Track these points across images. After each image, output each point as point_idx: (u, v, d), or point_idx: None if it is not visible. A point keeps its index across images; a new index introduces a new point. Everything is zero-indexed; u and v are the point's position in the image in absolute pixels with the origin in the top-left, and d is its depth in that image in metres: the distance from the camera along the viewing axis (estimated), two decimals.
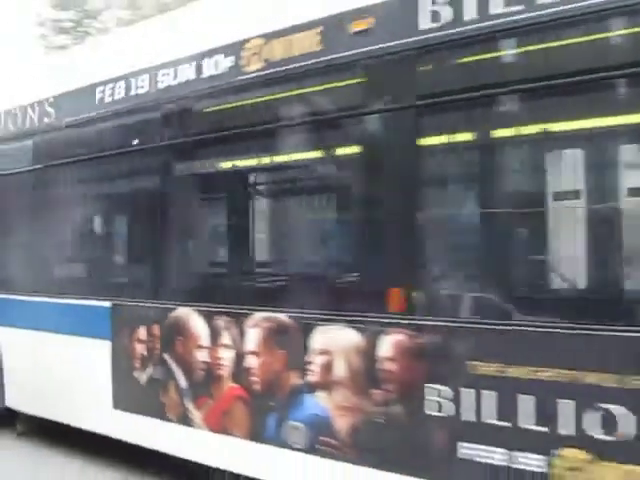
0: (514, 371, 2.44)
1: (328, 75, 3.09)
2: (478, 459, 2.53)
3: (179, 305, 3.54)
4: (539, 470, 2.39)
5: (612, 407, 2.22)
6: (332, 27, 3.03)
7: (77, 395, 4.08)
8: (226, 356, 3.32)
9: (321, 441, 2.96)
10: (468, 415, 2.54)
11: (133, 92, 3.85)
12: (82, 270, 4.31)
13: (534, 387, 2.40)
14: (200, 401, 3.45)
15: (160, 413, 3.62)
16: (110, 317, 3.87)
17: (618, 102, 2.48)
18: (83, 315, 4.01)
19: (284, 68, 3.19)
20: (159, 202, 3.72)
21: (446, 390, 2.60)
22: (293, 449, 3.06)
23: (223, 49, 3.44)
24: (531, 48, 2.55)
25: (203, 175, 3.76)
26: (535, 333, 2.42)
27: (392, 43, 2.83)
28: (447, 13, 2.67)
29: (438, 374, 2.63)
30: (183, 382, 3.52)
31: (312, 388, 3.00)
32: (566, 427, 2.33)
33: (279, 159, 3.50)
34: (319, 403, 2.98)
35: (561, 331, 2.37)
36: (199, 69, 3.54)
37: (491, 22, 2.53)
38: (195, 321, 3.46)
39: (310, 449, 3.00)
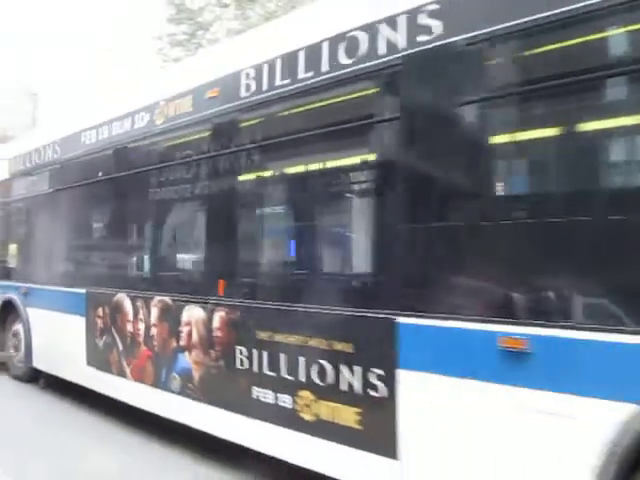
0: (275, 336, 3.56)
1: (197, 126, 4.34)
2: (262, 398, 3.66)
3: (117, 291, 4.96)
4: (290, 406, 3.48)
5: (323, 362, 3.27)
6: (198, 94, 4.29)
7: (67, 356, 5.63)
8: (141, 327, 4.67)
9: (186, 386, 4.21)
10: (256, 368, 3.68)
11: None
12: (71, 268, 5.87)
13: (287, 349, 3.50)
14: (129, 360, 4.83)
15: (109, 369, 5.04)
16: (85, 300, 5.38)
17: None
18: (71, 299, 5.56)
19: (173, 122, 4.50)
20: (96, 222, 5.20)
21: (244, 350, 3.76)
22: (173, 393, 4.34)
23: (145, 108, 4.82)
24: (294, 111, 3.65)
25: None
26: (287, 311, 3.52)
27: (228, 105, 4.04)
28: (253, 86, 3.83)
29: (241, 339, 3.79)
30: (120, 346, 4.92)
31: (182, 349, 4.26)
32: (302, 376, 3.40)
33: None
34: (185, 360, 4.23)
35: (298, 309, 3.45)
36: (132, 122, 4.96)
37: (274, 91, 3.66)
38: (125, 302, 4.85)
39: (181, 392, 4.26)
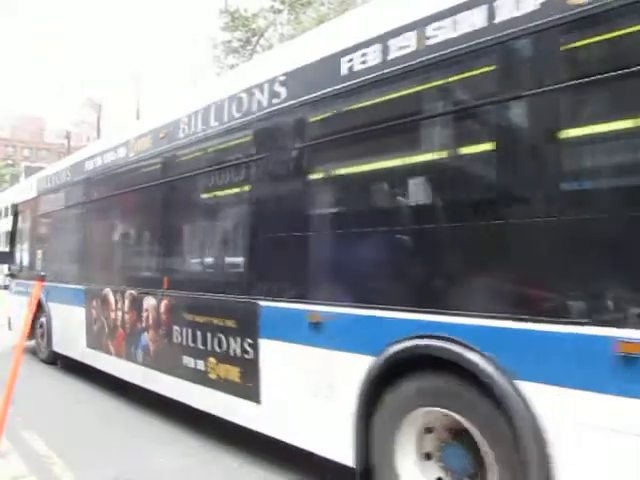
0: (194, 317, 4.81)
1: (154, 159, 5.66)
2: (188, 364, 4.91)
3: (105, 287, 6.35)
4: (203, 369, 4.71)
5: (220, 335, 4.49)
6: (154, 135, 5.62)
7: (74, 340, 7.08)
8: (119, 314, 6.03)
9: (146, 358, 5.52)
10: (183, 341, 4.94)
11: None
12: (76, 269, 7.32)
13: (200, 326, 4.73)
14: (112, 340, 6.20)
15: (101, 348, 6.43)
16: (84, 294, 6.81)
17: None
18: (76, 294, 7.01)
19: (140, 156, 5.85)
20: (90, 234, 6.65)
21: (178, 328, 5.03)
22: (138, 364, 5.65)
23: (122, 144, 6.21)
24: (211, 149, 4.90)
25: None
26: (198, 299, 4.76)
27: (171, 144, 5.34)
28: (182, 133, 5.12)
29: (175, 320, 5.06)
30: (107, 330, 6.31)
31: (143, 330, 5.57)
32: (209, 346, 4.63)
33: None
34: (145, 338, 5.54)
35: (204, 297, 4.69)
36: (116, 154, 6.36)
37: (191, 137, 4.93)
38: (109, 296, 6.23)
39: (143, 363, 5.57)
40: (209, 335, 4.63)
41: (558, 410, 2.47)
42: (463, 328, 2.81)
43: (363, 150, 3.57)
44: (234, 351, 4.34)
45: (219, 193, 4.84)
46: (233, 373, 4.36)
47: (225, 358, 4.45)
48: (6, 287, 10.07)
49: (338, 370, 3.46)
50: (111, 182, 6.47)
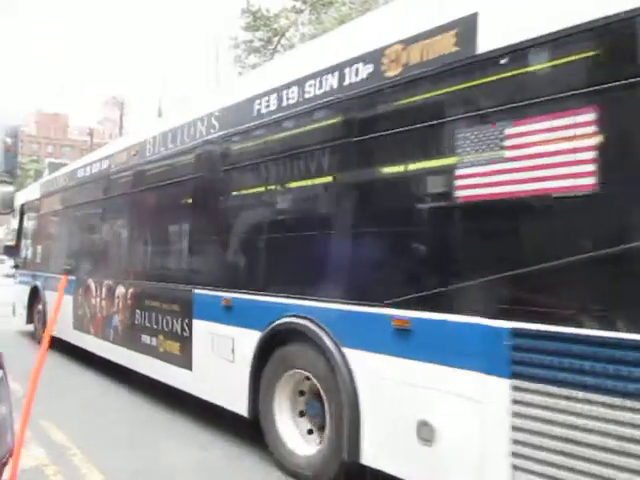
0: (150, 303, 5.90)
1: (128, 171, 6.78)
2: (145, 341, 6.00)
3: (87, 277, 7.49)
4: (155, 344, 5.79)
5: (167, 317, 5.57)
6: (128, 153, 6.75)
7: (63, 323, 8.22)
8: (98, 301, 7.16)
9: (116, 337, 6.64)
10: (142, 322, 6.04)
11: None
12: (67, 261, 8.49)
13: (154, 309, 5.82)
14: (92, 323, 7.33)
15: (83, 330, 7.57)
16: (74, 284, 7.95)
17: None
18: (68, 284, 8.16)
19: (119, 168, 6.98)
20: (77, 231, 7.81)
21: (139, 311, 6.13)
22: (110, 342, 6.77)
23: (105, 157, 7.35)
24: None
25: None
26: (152, 287, 5.86)
27: (138, 161, 6.45)
28: (147, 152, 6.23)
29: (137, 305, 6.16)
30: (88, 314, 7.44)
31: (115, 313, 6.69)
32: (159, 325, 5.71)
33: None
34: (116, 319, 6.66)
35: (157, 286, 5.78)
36: (100, 165, 7.50)
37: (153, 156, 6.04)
38: (91, 285, 7.37)
39: (114, 341, 6.69)
40: (160, 317, 5.72)
41: (363, 366, 3.49)
42: (315, 310, 3.85)
43: (268, 171, 4.63)
44: (176, 329, 5.42)
45: (170, 205, 5.97)
46: (175, 347, 5.44)
47: (170, 335, 5.54)
48: (8, 276, 11.30)
49: (239, 342, 4.52)
50: (92, 190, 7.65)
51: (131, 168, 6.62)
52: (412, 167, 3.35)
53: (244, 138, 4.79)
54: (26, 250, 10.38)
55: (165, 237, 6.17)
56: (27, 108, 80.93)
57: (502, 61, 2.92)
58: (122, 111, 47.12)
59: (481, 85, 3.02)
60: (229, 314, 4.67)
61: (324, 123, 4.03)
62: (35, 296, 9.52)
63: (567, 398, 2.52)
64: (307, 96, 4.11)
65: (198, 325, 5.10)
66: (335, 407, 3.66)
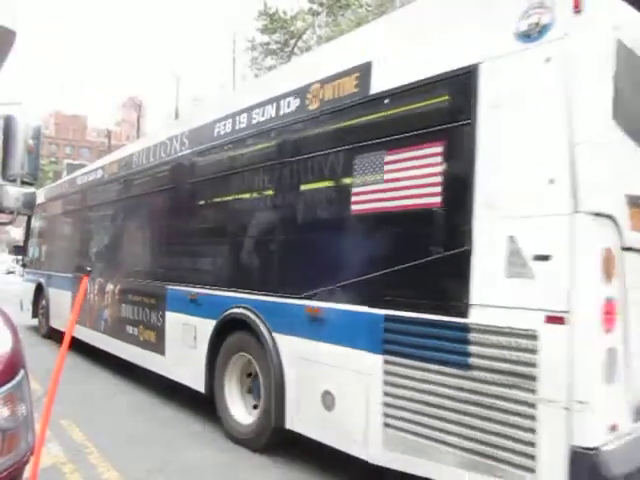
0: (133, 297, 6.70)
1: (114, 182, 7.60)
2: (129, 331, 6.80)
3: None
4: (136, 334, 6.60)
5: (146, 309, 6.37)
6: (118, 165, 7.57)
7: (63, 317, 9.07)
8: (91, 297, 7.99)
9: (106, 328, 7.45)
10: (127, 315, 6.84)
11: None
12: (66, 260, 9.34)
13: (136, 303, 6.62)
14: (87, 316, 8.17)
15: (81, 322, 8.38)
16: (72, 281, 8.80)
17: None
18: (65, 280, 9.01)
19: (106, 179, 7.82)
20: (75, 234, 8.67)
21: (125, 305, 6.94)
22: (102, 333, 7.59)
23: (100, 167, 8.19)
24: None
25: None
26: (134, 283, 6.66)
27: (125, 172, 7.27)
28: (133, 164, 7.05)
29: (123, 299, 6.97)
30: (84, 309, 8.28)
31: (105, 307, 7.51)
32: (140, 317, 6.51)
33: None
34: (106, 313, 7.48)
35: (137, 283, 6.59)
36: (95, 175, 8.35)
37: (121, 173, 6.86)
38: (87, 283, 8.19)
39: (104, 332, 7.50)
40: (140, 310, 6.51)
41: (288, 348, 4.24)
42: (254, 302, 4.60)
43: (224, 184, 5.39)
44: (152, 320, 6.21)
45: (149, 213, 6.79)
46: (151, 336, 6.23)
47: (148, 325, 6.33)
48: (10, 272, 12.22)
49: (200, 330, 5.28)
50: (84, 198, 8.52)
51: (117, 179, 7.46)
52: (323, 185, 4.10)
53: (206, 155, 5.57)
54: (32, 250, 11.28)
55: (145, 240, 6.96)
56: (44, 109, 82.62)
57: (385, 101, 3.66)
58: (139, 113, 48.27)
59: (373, 119, 3.76)
60: (193, 306, 5.44)
61: (265, 145, 4.78)
62: (40, 293, 10.39)
63: (420, 369, 3.24)
64: (253, 122, 4.88)
65: (170, 316, 5.88)
66: (267, 383, 4.41)
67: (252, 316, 4.57)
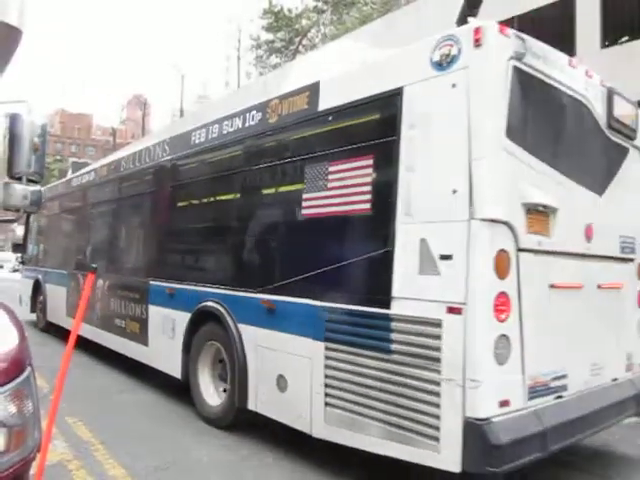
0: (120, 292, 7.20)
1: (104, 185, 8.09)
2: (117, 324, 7.30)
3: (75, 272, 8.84)
4: (123, 326, 7.10)
5: (131, 304, 6.86)
6: (108, 168, 8.06)
7: (59, 311, 9.58)
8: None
9: (98, 321, 7.95)
10: (115, 308, 7.34)
11: None
12: (62, 258, 9.84)
13: (123, 297, 7.11)
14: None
15: (74, 316, 8.89)
16: (67, 277, 9.31)
17: None
18: (61, 276, 9.52)
19: (97, 182, 8.31)
20: (69, 232, 9.18)
21: (113, 299, 7.43)
22: (94, 326, 8.09)
23: (92, 170, 8.68)
24: None
25: None
26: (121, 279, 7.15)
27: (114, 175, 7.76)
28: (121, 168, 7.54)
29: (112, 294, 7.47)
30: (77, 302, 8.77)
31: (96, 301, 8.01)
32: (126, 310, 7.01)
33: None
34: (98, 306, 7.97)
35: (123, 278, 7.08)
36: (88, 176, 8.85)
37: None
38: (79, 278, 8.71)
39: (96, 325, 8.00)
40: (127, 304, 7.01)
41: (249, 336, 4.71)
42: (222, 296, 5.07)
43: (199, 188, 5.86)
44: (137, 313, 6.70)
45: (133, 214, 7.30)
46: (136, 328, 6.72)
47: (133, 318, 6.82)
48: (15, 270, 12.76)
49: (177, 322, 5.76)
50: (77, 199, 9.03)
51: (105, 183, 7.98)
52: (278, 192, 4.59)
53: (182, 161, 6.06)
54: (31, 248, 11.80)
55: (131, 238, 7.47)
56: (49, 107, 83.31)
57: (330, 117, 4.12)
58: (144, 111, 48.77)
59: (319, 133, 4.23)
60: (172, 300, 5.92)
61: (233, 153, 5.26)
62: (38, 289, 10.91)
63: (353, 354, 3.71)
64: (224, 132, 5.35)
65: (152, 309, 6.36)
66: (232, 368, 4.88)
67: (220, 308, 5.05)
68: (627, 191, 4.41)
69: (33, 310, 11.14)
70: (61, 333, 9.29)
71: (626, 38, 12.63)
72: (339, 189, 3.96)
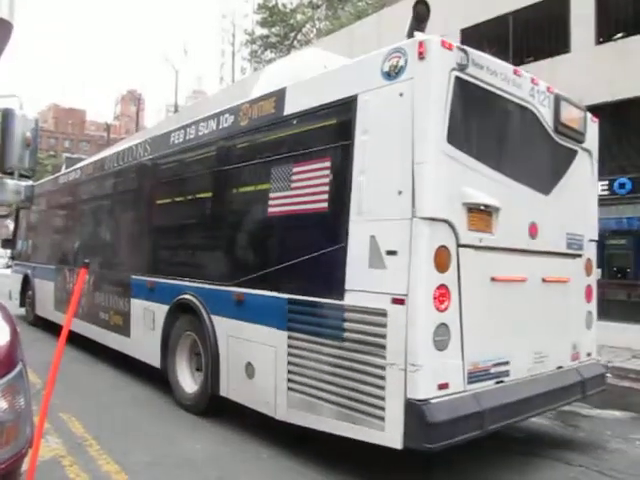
0: (105, 286, 7.47)
1: (89, 183, 8.35)
2: (101, 317, 7.58)
3: (63, 267, 9.09)
4: (107, 319, 7.37)
5: (116, 297, 7.13)
6: (93, 167, 8.32)
7: (47, 305, 9.84)
8: (70, 286, 8.75)
9: (84, 314, 8.22)
10: (101, 302, 7.61)
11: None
12: (49, 253, 10.09)
13: (109, 291, 7.39)
14: (67, 304, 8.92)
15: (60, 309, 9.16)
16: (54, 272, 9.56)
17: None
18: (48, 271, 9.77)
19: (83, 180, 8.57)
20: (58, 228, 9.45)
21: (99, 293, 7.70)
22: (80, 319, 8.35)
23: (77, 169, 8.94)
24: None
25: None
26: (107, 274, 7.42)
27: (98, 174, 8.02)
28: (105, 167, 7.80)
29: (98, 288, 7.73)
30: (64, 297, 9.04)
31: (83, 295, 8.27)
32: (111, 304, 7.28)
33: None
34: (85, 300, 8.24)
35: (109, 273, 7.35)
36: (75, 174, 9.10)
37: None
38: (66, 273, 8.96)
39: (82, 318, 8.26)
40: (111, 297, 7.28)
41: (221, 327, 5.00)
42: (197, 289, 5.36)
43: (178, 187, 6.13)
44: (120, 306, 6.98)
45: (116, 210, 7.56)
46: (119, 320, 7.00)
47: (116, 311, 7.10)
48: (9, 266, 13.02)
49: (157, 314, 6.04)
50: (64, 196, 9.29)
51: (89, 181, 8.25)
52: (250, 190, 4.87)
53: (160, 161, 6.34)
54: (20, 243, 12.05)
55: (115, 235, 7.72)
56: (42, 102, 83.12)
57: (294, 121, 4.40)
58: (138, 107, 48.89)
59: (285, 137, 4.51)
60: (152, 293, 6.20)
61: (208, 154, 5.54)
62: (27, 283, 11.16)
63: (311, 342, 4.00)
64: (199, 134, 5.62)
65: (134, 302, 6.64)
66: (206, 357, 5.17)
67: (195, 301, 5.33)
68: (575, 191, 4.71)
69: (22, 304, 11.39)
70: (49, 327, 9.56)
71: (620, 35, 12.94)
72: (301, 189, 4.24)
